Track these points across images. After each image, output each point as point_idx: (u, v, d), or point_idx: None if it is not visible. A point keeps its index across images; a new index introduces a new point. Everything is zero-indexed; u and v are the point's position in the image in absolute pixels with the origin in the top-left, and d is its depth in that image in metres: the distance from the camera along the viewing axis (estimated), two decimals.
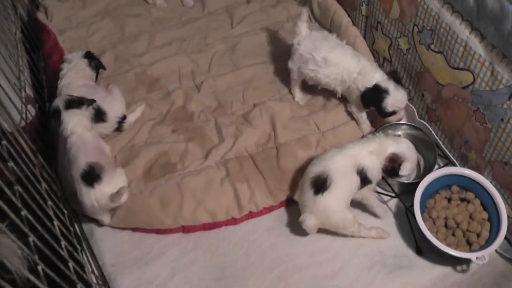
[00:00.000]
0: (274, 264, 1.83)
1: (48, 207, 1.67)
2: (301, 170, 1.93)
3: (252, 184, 1.96)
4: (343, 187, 1.75)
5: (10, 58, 2.21)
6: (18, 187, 1.39)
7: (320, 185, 1.73)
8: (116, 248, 1.90)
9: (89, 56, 2.27)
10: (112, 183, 1.81)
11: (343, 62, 2.01)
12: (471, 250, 1.75)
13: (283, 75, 2.30)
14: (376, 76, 1.96)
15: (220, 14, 2.72)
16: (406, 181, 1.93)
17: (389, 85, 1.93)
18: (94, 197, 1.77)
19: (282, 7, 2.72)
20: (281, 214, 1.98)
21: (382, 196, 1.99)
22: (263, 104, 2.21)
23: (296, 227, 1.86)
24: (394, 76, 1.97)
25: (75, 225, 1.96)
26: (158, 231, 1.93)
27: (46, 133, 2.21)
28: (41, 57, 2.59)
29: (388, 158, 1.78)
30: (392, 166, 1.77)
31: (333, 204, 1.75)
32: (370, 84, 1.95)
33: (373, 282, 1.78)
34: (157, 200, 1.92)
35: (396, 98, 1.93)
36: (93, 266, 1.86)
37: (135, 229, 1.94)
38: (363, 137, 2.07)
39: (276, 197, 1.97)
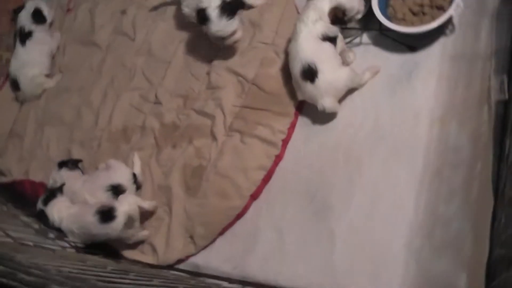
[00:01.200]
0: (334, 153, 2.04)
1: None
2: (285, 76, 2.15)
3: (263, 122, 2.16)
4: (325, 58, 1.97)
5: None
6: None
7: (310, 73, 1.95)
8: (224, 254, 2.08)
9: (64, 165, 2.39)
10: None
11: None
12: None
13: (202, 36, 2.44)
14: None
15: (116, 40, 2.83)
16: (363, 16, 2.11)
17: (213, 12, 2.15)
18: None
19: None
20: (303, 120, 2.17)
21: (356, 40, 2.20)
22: (213, 69, 2.38)
23: (322, 117, 2.08)
24: (229, 4, 2.17)
25: None
26: (238, 217, 2.11)
27: None
28: None
29: (331, 16, 2.00)
30: (338, 19, 2.01)
31: (331, 76, 1.97)
32: (205, 4, 2.18)
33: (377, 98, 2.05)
34: (216, 198, 2.11)
35: (216, 27, 2.18)
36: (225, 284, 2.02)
37: (221, 233, 2.12)
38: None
39: (288, 114, 2.16)
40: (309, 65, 1.94)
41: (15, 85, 2.79)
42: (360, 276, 1.82)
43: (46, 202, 2.16)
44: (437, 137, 1.89)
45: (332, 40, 2.00)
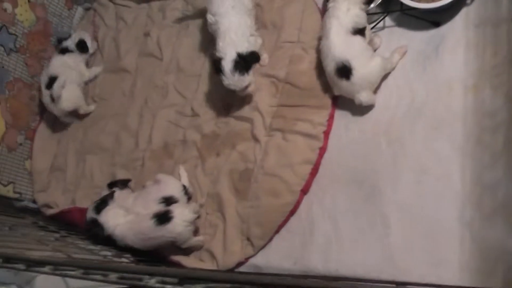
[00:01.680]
0: (376, 137, 2.13)
1: None
2: (317, 70, 2.26)
3: (302, 117, 2.25)
4: (358, 54, 2.05)
5: None
6: None
7: (345, 71, 2.04)
8: (283, 251, 2.17)
9: (113, 185, 2.51)
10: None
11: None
12: None
13: None
14: (229, 52, 2.19)
15: (143, 63, 2.94)
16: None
17: (227, 65, 2.18)
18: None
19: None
20: (340, 110, 2.25)
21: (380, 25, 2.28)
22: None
23: (359, 109, 2.17)
24: (244, 59, 2.19)
25: None
26: (291, 213, 2.19)
27: None
28: None
29: None
30: None
31: (364, 71, 2.05)
32: (222, 55, 2.21)
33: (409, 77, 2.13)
34: (268, 197, 2.20)
35: (229, 81, 2.20)
36: None
37: (277, 231, 2.20)
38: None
39: (325, 106, 2.24)
40: (343, 63, 2.03)
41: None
42: (418, 255, 1.89)
43: (98, 210, 2.26)
44: (473, 105, 1.96)
45: (362, 32, 2.08)
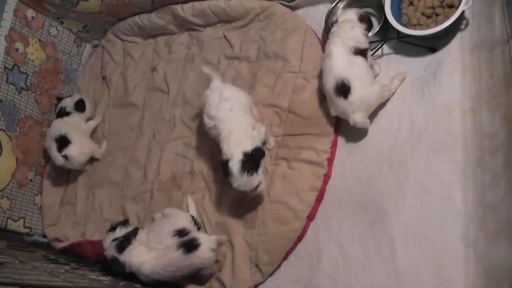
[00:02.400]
0: (378, 162, 2.19)
1: None
2: (318, 99, 2.33)
3: (306, 145, 2.32)
4: (359, 75, 2.12)
5: None
6: None
7: (344, 89, 2.10)
8: (291, 277, 2.22)
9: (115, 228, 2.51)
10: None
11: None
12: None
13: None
14: (235, 153, 2.13)
15: (151, 97, 3.03)
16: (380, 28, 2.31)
17: (234, 166, 2.10)
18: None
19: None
20: (343, 137, 2.33)
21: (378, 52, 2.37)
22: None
23: (360, 130, 2.24)
24: (250, 158, 2.12)
25: None
26: (299, 239, 2.24)
27: None
28: None
29: (361, 19, 2.21)
30: (367, 22, 2.21)
31: (363, 93, 2.11)
32: (228, 156, 2.14)
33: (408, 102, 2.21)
34: (275, 224, 2.26)
35: (238, 182, 2.12)
36: None
37: (285, 257, 2.25)
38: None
39: (327, 133, 2.31)
40: (342, 81, 2.09)
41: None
42: (424, 276, 1.94)
43: (121, 249, 2.27)
44: (472, 128, 2.02)
45: (363, 53, 2.15)
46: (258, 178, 2.13)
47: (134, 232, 2.35)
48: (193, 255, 2.16)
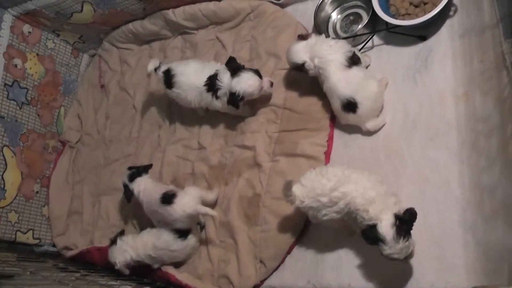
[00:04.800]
0: (375, 152, 2.22)
1: None
2: (313, 94, 2.36)
3: (302, 141, 2.35)
4: (360, 88, 2.12)
5: None
6: None
7: (351, 106, 2.13)
8: (296, 271, 2.24)
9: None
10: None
11: None
12: None
13: None
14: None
15: (149, 101, 3.06)
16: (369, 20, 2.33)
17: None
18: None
19: None
20: (339, 130, 2.34)
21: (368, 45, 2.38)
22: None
23: (356, 127, 2.25)
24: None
25: None
26: (301, 233, 2.26)
27: None
28: None
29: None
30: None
31: (369, 103, 2.14)
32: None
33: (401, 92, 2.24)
34: (277, 219, 2.29)
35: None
36: None
37: (288, 251, 2.27)
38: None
39: (323, 127, 2.34)
40: (347, 100, 2.11)
41: None
42: (425, 263, 1.95)
43: (132, 179, 2.52)
44: (465, 112, 2.04)
45: (356, 62, 2.15)
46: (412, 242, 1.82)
47: (146, 168, 2.57)
48: (167, 207, 2.27)
